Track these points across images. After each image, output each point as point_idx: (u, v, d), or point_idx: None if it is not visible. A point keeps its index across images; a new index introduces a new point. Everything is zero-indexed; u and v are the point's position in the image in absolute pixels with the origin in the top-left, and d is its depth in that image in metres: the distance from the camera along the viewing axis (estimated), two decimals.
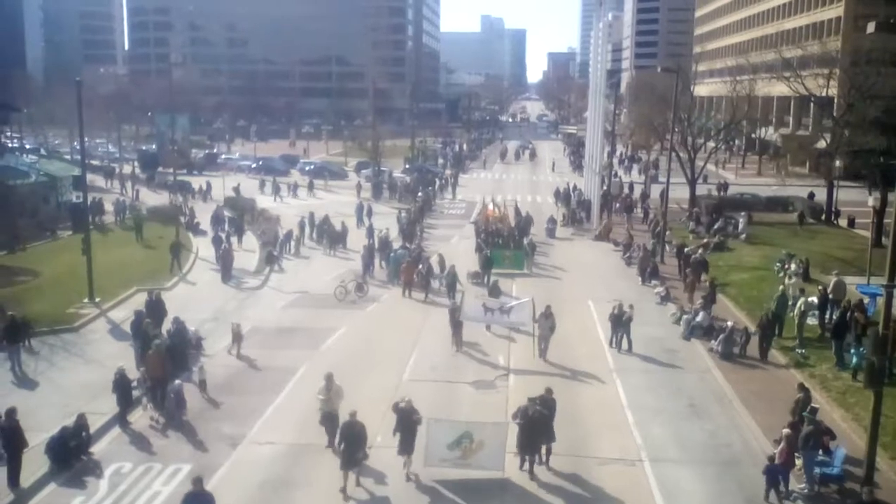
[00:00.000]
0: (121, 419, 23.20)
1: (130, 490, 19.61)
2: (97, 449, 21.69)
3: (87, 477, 20.27)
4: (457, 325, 29.59)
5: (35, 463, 20.24)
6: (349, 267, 42.24)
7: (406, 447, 19.81)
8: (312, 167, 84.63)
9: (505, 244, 44.48)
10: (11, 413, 20.08)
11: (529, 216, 51.71)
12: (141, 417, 23.64)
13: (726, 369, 27.97)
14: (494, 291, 34.41)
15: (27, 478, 19.72)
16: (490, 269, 39.47)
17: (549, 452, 20.61)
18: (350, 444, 19.17)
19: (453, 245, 48.57)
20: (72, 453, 20.68)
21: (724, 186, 69.42)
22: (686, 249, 42.68)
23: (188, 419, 23.50)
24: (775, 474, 19.39)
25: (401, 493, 19.50)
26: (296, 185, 71.33)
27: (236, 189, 65.13)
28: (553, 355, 28.38)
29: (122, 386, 23.17)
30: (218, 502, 18.68)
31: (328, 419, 21.28)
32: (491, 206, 49.61)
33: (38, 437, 20.74)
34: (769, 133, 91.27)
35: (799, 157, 74.68)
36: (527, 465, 20.23)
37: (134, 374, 24.71)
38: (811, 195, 63.35)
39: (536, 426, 19.78)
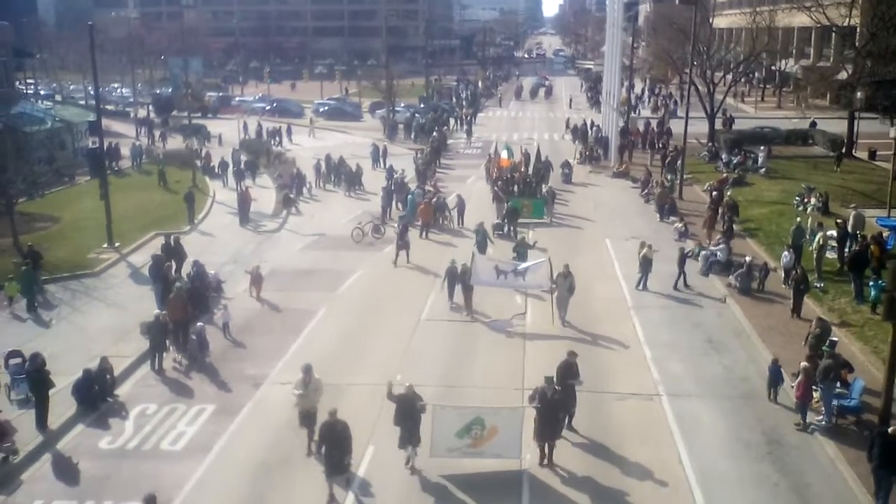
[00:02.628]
0: (157, 364, 23.53)
1: (156, 430, 20.01)
2: (122, 391, 22.09)
3: (113, 418, 20.70)
4: (467, 289, 27.40)
5: (62, 405, 20.67)
6: (365, 209, 42.27)
7: (409, 438, 17.64)
8: (327, 108, 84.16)
9: (522, 193, 42.04)
10: (35, 358, 20.48)
11: (548, 161, 48.62)
12: (164, 360, 23.93)
13: (744, 304, 27.95)
14: (521, 246, 31.76)
15: (55, 420, 20.16)
16: (516, 220, 37.53)
17: (571, 416, 19.45)
18: (332, 447, 16.70)
19: (469, 185, 48.37)
20: (97, 396, 21.08)
21: (730, 120, 67.13)
22: (706, 186, 42.43)
23: (211, 361, 23.86)
24: (778, 374, 20.74)
25: (404, 490, 17.48)
26: (277, 130, 68.21)
27: (277, 132, 66.50)
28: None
29: (156, 330, 23.45)
30: (243, 441, 19.11)
31: (306, 418, 18.60)
32: (504, 155, 46.74)
33: (63, 380, 21.11)
34: (789, 65, 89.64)
35: (819, 89, 73.43)
36: (545, 457, 18.21)
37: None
38: (813, 124, 62.64)
39: (557, 411, 17.93)
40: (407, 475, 17.81)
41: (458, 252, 32.00)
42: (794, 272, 27.56)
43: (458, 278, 27.55)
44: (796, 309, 26.72)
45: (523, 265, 27.57)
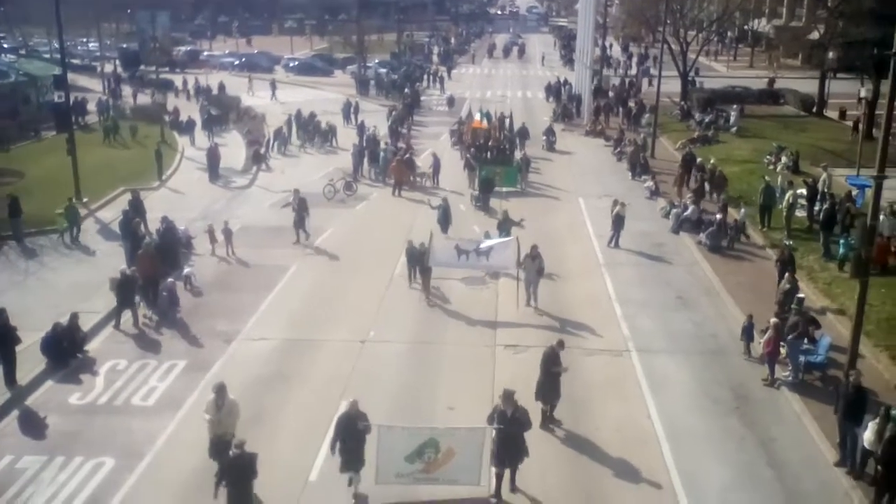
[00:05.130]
0: (117, 320, 23.29)
1: (127, 386, 19.89)
2: (92, 347, 21.90)
3: (84, 374, 20.53)
4: (425, 272, 25.29)
5: (31, 361, 20.46)
6: (337, 165, 41.93)
7: (352, 462, 15.31)
8: (297, 63, 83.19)
9: (495, 160, 39.63)
10: (1, 313, 20.14)
11: (525, 128, 46.38)
12: (136, 316, 23.68)
13: (714, 261, 28.21)
14: (506, 222, 28.58)
15: (24, 376, 19.94)
16: (491, 190, 35.24)
17: (552, 409, 18.14)
18: (236, 483, 14.43)
19: (442, 143, 48.09)
20: (67, 351, 20.90)
21: (691, 81, 64.31)
22: (678, 145, 42.40)
23: (181, 316, 23.71)
24: (751, 331, 21.15)
25: None
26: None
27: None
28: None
29: (124, 287, 23.15)
30: None
31: (219, 446, 15.67)
32: (477, 117, 43.99)
33: (32, 336, 20.85)
34: (762, 24, 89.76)
35: (791, 49, 73.66)
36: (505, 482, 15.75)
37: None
38: (770, 83, 63.04)
39: (519, 434, 15.46)
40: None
41: (431, 212, 31.70)
42: (784, 252, 26.02)
43: (417, 259, 25.66)
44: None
45: (487, 243, 25.16)
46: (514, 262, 24.37)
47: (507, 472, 15.67)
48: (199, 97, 62.16)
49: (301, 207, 30.47)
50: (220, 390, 15.95)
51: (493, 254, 24.54)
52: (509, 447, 15.32)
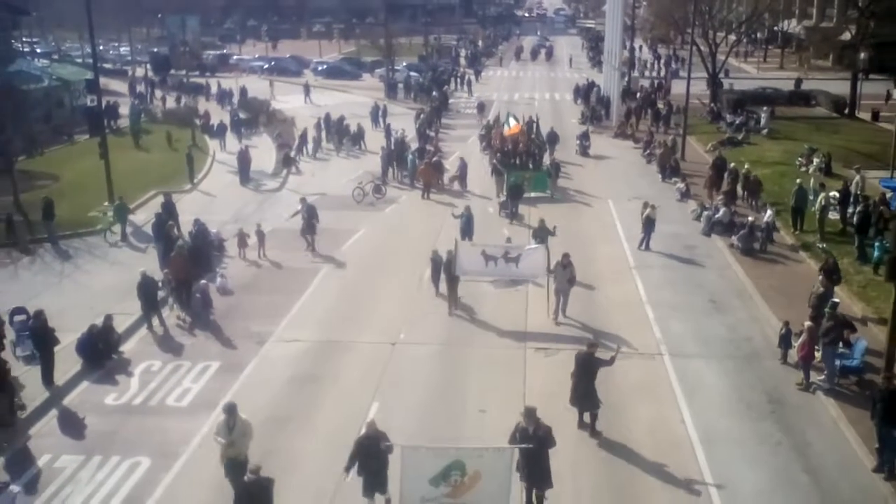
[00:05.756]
0: (148, 322, 23.49)
1: (161, 387, 20.09)
2: (126, 348, 22.16)
3: (119, 375, 20.76)
4: (451, 281, 24.42)
5: (68, 362, 20.73)
6: (366, 168, 42.07)
7: (375, 485, 14.87)
8: (325, 67, 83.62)
9: (523, 165, 38.90)
10: (39, 314, 20.43)
11: (555, 132, 45.38)
12: (167, 318, 23.99)
13: (746, 264, 27.99)
14: (542, 231, 26.95)
15: (60, 376, 20.21)
16: (520, 197, 34.29)
17: (594, 418, 17.92)
18: None
19: (470, 145, 48.05)
20: (102, 352, 21.15)
21: (718, 83, 62.71)
22: (710, 146, 42.04)
23: (214, 318, 23.93)
24: (789, 339, 20.77)
25: None
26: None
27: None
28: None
29: (146, 289, 23.33)
30: (247, 397, 19.17)
31: (234, 469, 15.12)
32: (513, 122, 42.24)
33: (68, 337, 21.13)
34: (792, 25, 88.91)
35: (822, 50, 72.85)
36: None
37: (158, 275, 24.93)
38: (797, 84, 62.47)
39: (542, 453, 14.85)
40: None
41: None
42: (828, 261, 24.90)
43: (444, 268, 24.86)
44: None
45: (516, 250, 24.45)
46: (544, 269, 23.79)
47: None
48: (223, 101, 62.55)
49: (310, 215, 30.15)
50: (231, 410, 15.37)
51: (521, 260, 23.90)
52: (533, 466, 14.86)
